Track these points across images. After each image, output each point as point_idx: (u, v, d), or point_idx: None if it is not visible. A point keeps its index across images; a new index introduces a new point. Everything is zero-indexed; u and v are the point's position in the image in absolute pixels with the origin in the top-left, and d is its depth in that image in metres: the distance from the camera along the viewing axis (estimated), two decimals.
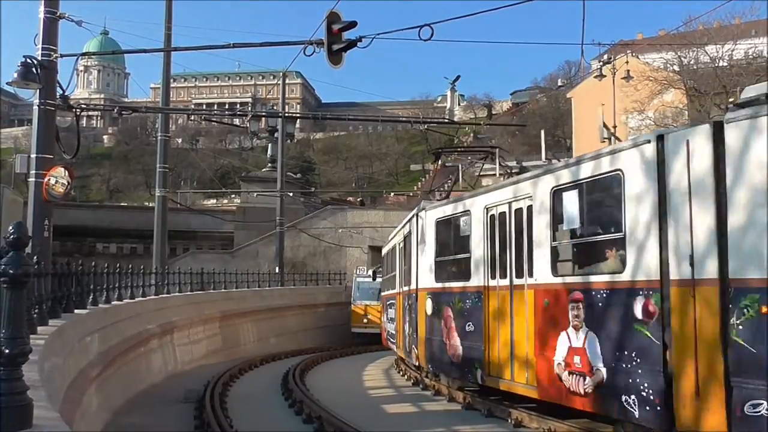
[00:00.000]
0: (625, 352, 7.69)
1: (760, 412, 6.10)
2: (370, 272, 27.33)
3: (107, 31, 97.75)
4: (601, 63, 32.88)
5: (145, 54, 23.35)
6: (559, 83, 71.59)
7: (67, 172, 11.87)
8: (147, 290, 15.87)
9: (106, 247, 44.46)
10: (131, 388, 12.70)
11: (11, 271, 3.75)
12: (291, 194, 35.55)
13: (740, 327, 6.43)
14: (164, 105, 21.80)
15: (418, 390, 14.14)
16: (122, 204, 78.27)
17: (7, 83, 12.84)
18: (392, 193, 65.21)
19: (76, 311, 9.67)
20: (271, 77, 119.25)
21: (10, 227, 3.91)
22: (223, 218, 43.34)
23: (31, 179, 11.65)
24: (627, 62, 32.21)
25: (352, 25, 10.22)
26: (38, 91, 11.50)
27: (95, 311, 10.85)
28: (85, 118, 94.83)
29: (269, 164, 38.12)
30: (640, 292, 7.51)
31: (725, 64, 32.80)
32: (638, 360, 7.49)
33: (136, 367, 13.48)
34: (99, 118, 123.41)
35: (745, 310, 6.41)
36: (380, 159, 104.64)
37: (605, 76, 31.28)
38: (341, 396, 13.23)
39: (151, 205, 35.88)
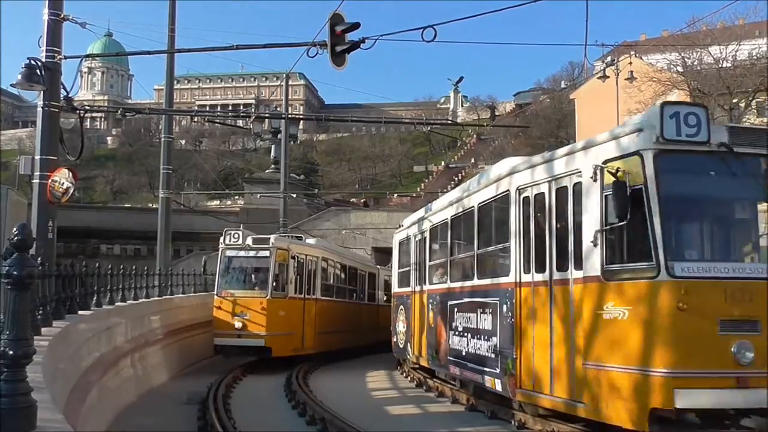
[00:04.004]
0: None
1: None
2: (249, 239, 16.47)
3: (111, 32, 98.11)
4: (604, 64, 32.89)
5: (148, 55, 23.33)
6: (563, 84, 71.64)
7: (71, 173, 11.87)
8: (151, 291, 15.85)
9: (110, 248, 44.55)
10: (135, 389, 12.71)
11: (15, 273, 3.76)
12: (294, 195, 35.52)
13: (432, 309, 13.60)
14: (168, 106, 21.79)
15: (422, 391, 14.12)
16: (126, 205, 78.36)
17: (11, 85, 12.83)
18: (396, 195, 65.13)
19: (80, 312, 9.68)
20: (275, 79, 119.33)
21: (14, 229, 3.92)
22: (227, 219, 43.29)
23: (35, 180, 11.64)
24: (630, 63, 32.23)
25: (355, 26, 10.23)
26: (42, 92, 11.50)
27: (99, 312, 10.86)
28: (88, 120, 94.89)
29: (272, 166, 38.12)
30: (405, 297, 15.76)
31: (729, 64, 32.76)
32: (398, 325, 16.80)
33: (139, 368, 13.49)
34: (103, 119, 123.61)
35: (431, 301, 13.52)
36: (383, 160, 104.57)
37: (608, 77, 31.27)
38: (345, 398, 13.20)
39: (154, 206, 35.93)
